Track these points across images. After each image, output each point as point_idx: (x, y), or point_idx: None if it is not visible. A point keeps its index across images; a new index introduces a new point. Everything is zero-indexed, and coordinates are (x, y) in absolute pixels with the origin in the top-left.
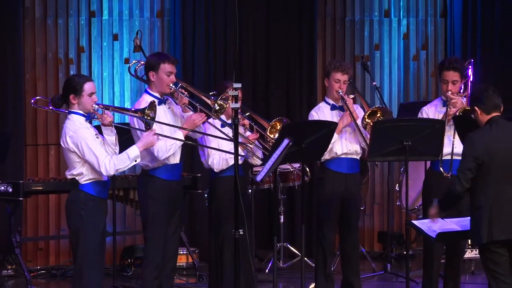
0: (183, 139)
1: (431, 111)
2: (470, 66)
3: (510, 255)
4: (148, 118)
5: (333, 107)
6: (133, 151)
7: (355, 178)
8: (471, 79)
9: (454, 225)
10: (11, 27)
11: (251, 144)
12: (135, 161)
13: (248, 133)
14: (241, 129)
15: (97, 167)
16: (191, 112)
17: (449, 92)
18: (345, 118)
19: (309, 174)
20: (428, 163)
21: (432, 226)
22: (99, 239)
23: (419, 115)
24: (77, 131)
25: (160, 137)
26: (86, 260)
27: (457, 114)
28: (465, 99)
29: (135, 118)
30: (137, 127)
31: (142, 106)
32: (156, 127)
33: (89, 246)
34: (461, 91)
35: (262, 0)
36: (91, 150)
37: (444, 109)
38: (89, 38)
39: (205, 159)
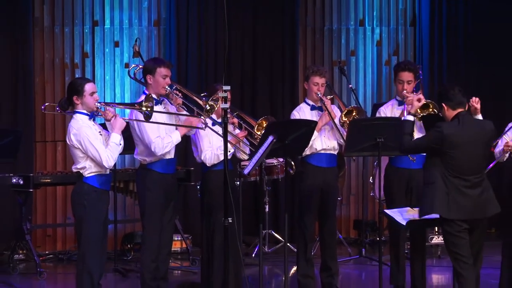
0: (180, 138)
1: (388, 111)
2: (420, 69)
3: (470, 239)
4: (148, 109)
5: (312, 107)
6: (115, 137)
7: (333, 172)
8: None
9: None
10: (22, 35)
11: (240, 141)
12: (120, 144)
13: (237, 131)
14: (230, 127)
15: (99, 160)
16: (185, 112)
17: (405, 91)
18: (324, 118)
19: (294, 167)
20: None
21: (402, 214)
22: (100, 227)
23: (377, 115)
24: (80, 129)
25: (125, 118)
26: (88, 245)
27: (421, 114)
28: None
29: (134, 112)
30: (134, 119)
31: None
32: (154, 120)
33: (91, 233)
34: (414, 91)
35: (249, 11)
36: (93, 146)
37: (400, 107)
38: (93, 45)
39: (197, 155)
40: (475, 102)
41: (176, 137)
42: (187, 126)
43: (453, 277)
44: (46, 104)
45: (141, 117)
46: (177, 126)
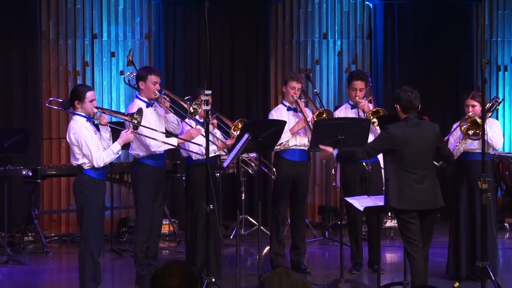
0: (176, 144)
1: (342, 113)
2: (369, 78)
3: (420, 224)
4: (135, 121)
5: (288, 108)
6: (116, 146)
7: (304, 165)
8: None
9: (377, 201)
10: (31, 46)
11: (226, 147)
12: (118, 153)
13: (216, 131)
14: (210, 127)
15: (90, 160)
16: (172, 114)
17: (357, 97)
18: (300, 123)
19: (275, 173)
20: None
21: (360, 201)
22: (99, 211)
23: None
24: (79, 130)
25: (135, 134)
26: (89, 227)
27: (373, 119)
28: (371, 104)
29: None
30: (129, 126)
31: (134, 109)
32: (144, 125)
33: (92, 217)
34: (365, 97)
35: (227, 26)
36: (87, 146)
37: (352, 111)
38: (92, 55)
39: (184, 150)
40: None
41: (172, 142)
42: (187, 140)
43: (404, 256)
44: (51, 99)
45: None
46: (179, 138)
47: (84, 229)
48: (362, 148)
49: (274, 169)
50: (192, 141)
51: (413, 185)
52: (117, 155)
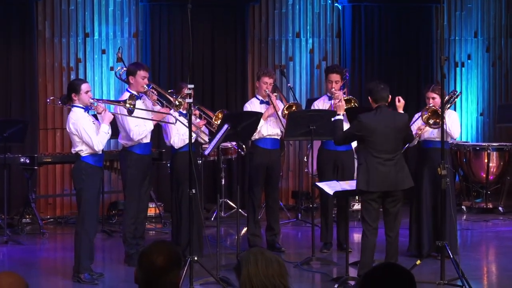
0: (151, 121)
1: (320, 104)
2: (347, 72)
3: (383, 207)
4: (131, 106)
5: (261, 102)
6: (104, 127)
7: (276, 152)
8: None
9: (346, 186)
10: (28, 45)
11: (199, 128)
12: (108, 132)
13: (198, 120)
14: (193, 117)
15: (91, 145)
16: (159, 106)
17: (333, 89)
18: (269, 110)
19: (245, 149)
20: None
21: (330, 186)
22: (96, 195)
23: (312, 107)
24: (78, 120)
25: (114, 115)
26: (86, 210)
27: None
28: (345, 95)
29: (118, 107)
30: (119, 113)
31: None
32: (135, 113)
33: (88, 200)
34: (341, 88)
35: (208, 25)
36: (87, 134)
37: (329, 102)
38: (85, 52)
39: (167, 140)
40: (398, 100)
41: (149, 125)
42: (160, 122)
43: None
44: (51, 98)
45: (124, 111)
46: (152, 120)
47: (81, 211)
48: (342, 132)
49: (243, 146)
50: (173, 131)
51: (378, 167)
52: (109, 134)
